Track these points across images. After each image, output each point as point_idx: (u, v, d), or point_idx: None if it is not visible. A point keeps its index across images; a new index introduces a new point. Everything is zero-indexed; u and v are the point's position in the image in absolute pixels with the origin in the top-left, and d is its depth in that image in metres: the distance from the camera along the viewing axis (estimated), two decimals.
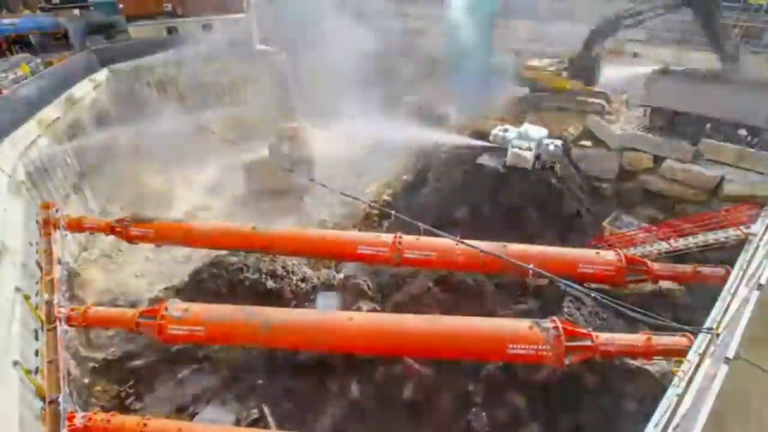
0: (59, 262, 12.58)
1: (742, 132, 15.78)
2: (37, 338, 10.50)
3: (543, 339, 9.80)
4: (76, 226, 14.74)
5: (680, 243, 13.77)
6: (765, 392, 4.65)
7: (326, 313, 13.01)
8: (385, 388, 12.92)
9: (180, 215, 21.23)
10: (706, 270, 12.55)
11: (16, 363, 9.10)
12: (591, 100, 19.56)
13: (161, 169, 24.57)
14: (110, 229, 14.70)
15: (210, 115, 27.01)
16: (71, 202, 18.69)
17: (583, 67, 20.26)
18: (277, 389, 13.20)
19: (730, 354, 5.01)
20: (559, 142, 17.45)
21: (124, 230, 14.45)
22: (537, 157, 17.51)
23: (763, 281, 6.60)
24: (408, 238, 13.38)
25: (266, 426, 12.18)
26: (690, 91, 16.59)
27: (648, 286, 13.67)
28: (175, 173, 24.96)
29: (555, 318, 10.27)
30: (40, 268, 12.33)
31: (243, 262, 16.57)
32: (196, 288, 16.17)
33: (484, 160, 18.75)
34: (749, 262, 9.69)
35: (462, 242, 11.36)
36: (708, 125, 16.23)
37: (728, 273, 10.85)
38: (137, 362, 14.09)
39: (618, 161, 17.79)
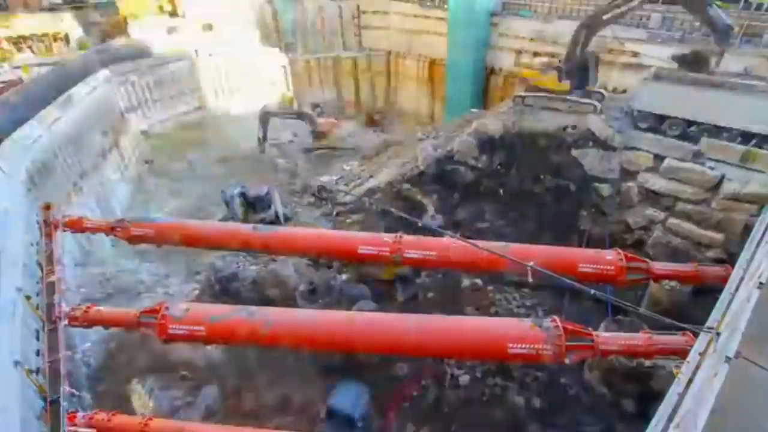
0: (60, 262, 12.62)
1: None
2: (38, 338, 10.53)
3: (544, 338, 9.81)
4: (77, 226, 14.75)
5: None
6: (766, 392, 4.65)
7: (326, 313, 13.00)
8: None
9: None
10: (706, 269, 12.54)
11: (17, 363, 9.12)
12: (583, 100, 19.47)
13: None
14: (110, 230, 14.71)
15: None
16: None
17: (574, 67, 19.83)
18: None
19: (731, 353, 5.00)
20: None
21: (125, 230, 14.46)
22: None
23: (763, 280, 6.59)
24: (408, 238, 13.39)
25: None
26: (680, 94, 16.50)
27: None
28: None
29: (555, 317, 10.28)
30: (41, 268, 12.36)
31: (243, 261, 16.60)
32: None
33: None
34: (750, 261, 9.68)
35: (463, 241, 11.38)
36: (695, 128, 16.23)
37: (729, 272, 10.85)
38: None
39: (618, 160, 17.79)
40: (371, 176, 24.09)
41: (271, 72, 35.70)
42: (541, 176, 19.70)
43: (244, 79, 35.04)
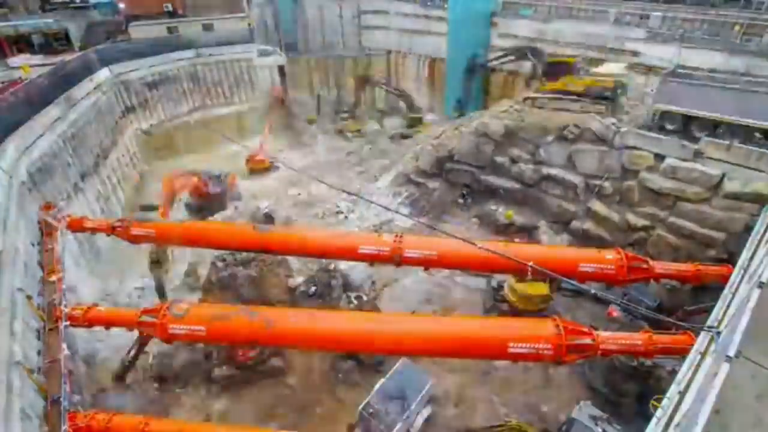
0: (60, 262, 12.62)
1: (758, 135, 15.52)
2: (39, 338, 10.53)
3: (544, 337, 9.79)
4: (77, 225, 14.75)
5: None
6: (766, 391, 4.64)
7: (326, 313, 12.98)
8: None
9: None
10: (707, 269, 12.51)
11: (18, 363, 9.12)
12: (593, 102, 19.46)
13: None
14: (111, 229, 14.71)
15: None
16: None
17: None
18: None
19: (732, 352, 4.99)
20: None
21: (125, 230, 14.46)
22: None
23: (764, 279, 6.58)
24: (408, 238, 13.39)
25: None
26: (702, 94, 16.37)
27: None
28: None
29: (556, 317, 10.27)
30: (42, 268, 12.36)
31: (242, 261, 16.59)
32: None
33: None
34: (750, 261, 9.67)
35: (462, 241, 11.36)
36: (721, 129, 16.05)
37: (729, 271, 10.83)
38: None
39: (620, 159, 17.78)
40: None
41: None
42: (541, 176, 19.72)
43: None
